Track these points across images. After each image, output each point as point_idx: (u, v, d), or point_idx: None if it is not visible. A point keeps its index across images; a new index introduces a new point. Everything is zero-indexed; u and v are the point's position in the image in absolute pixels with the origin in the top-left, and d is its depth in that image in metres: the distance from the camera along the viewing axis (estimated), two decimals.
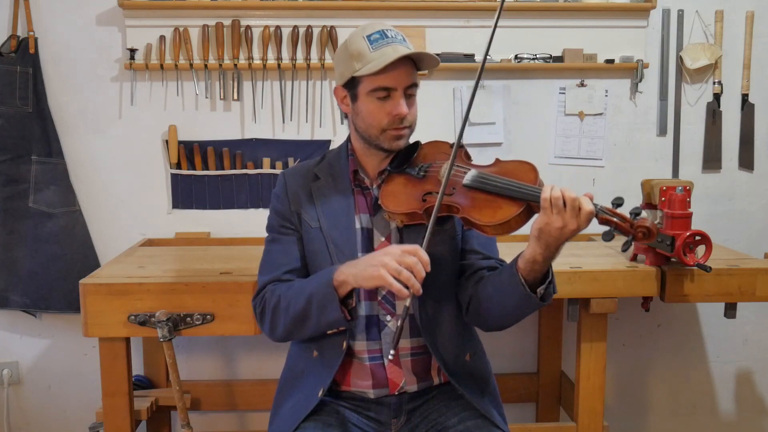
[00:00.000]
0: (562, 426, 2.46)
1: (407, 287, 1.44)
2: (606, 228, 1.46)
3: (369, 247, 1.68)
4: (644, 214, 1.48)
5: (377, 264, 1.47)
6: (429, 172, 1.64)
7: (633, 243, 1.47)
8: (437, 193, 1.56)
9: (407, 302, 1.45)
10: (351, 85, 1.64)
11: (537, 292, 1.52)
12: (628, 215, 1.47)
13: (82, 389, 2.82)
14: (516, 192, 1.49)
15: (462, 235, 1.71)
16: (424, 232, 1.51)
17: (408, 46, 1.62)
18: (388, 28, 1.63)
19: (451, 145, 1.66)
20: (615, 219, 1.46)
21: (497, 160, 1.62)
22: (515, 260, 1.54)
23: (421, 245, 1.48)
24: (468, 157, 1.67)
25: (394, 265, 1.45)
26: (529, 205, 1.48)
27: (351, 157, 1.72)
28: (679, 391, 3.00)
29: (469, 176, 1.57)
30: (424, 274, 1.45)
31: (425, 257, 1.46)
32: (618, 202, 1.48)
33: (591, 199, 1.45)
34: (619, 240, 1.48)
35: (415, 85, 1.64)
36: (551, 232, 1.43)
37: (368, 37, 1.60)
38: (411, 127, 1.67)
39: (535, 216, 1.49)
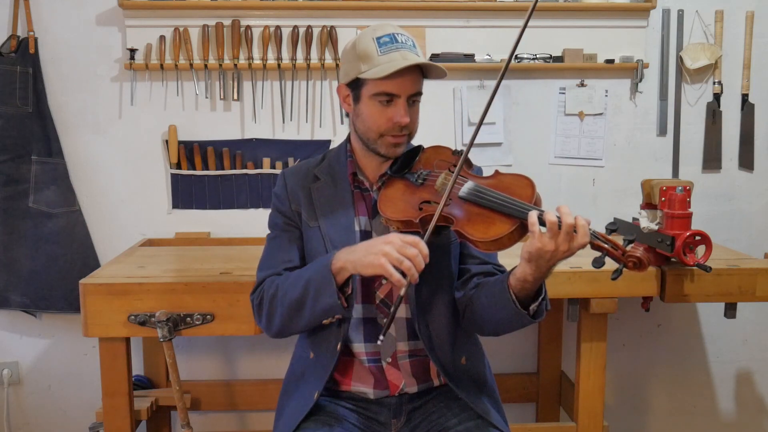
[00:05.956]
0: (562, 426, 2.46)
1: (405, 277, 1.43)
2: (597, 254, 1.44)
3: None
4: (634, 245, 1.45)
5: (378, 252, 1.45)
6: (427, 180, 1.62)
7: (623, 271, 1.43)
8: (434, 202, 1.55)
9: (402, 291, 1.45)
10: (355, 85, 1.62)
11: (529, 308, 1.51)
12: (621, 242, 1.44)
13: (82, 389, 2.82)
14: (510, 209, 1.46)
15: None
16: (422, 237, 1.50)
17: (417, 53, 1.60)
18: (399, 32, 1.60)
19: (454, 152, 1.65)
20: (607, 245, 1.43)
21: (496, 172, 1.60)
22: (507, 275, 1.53)
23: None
24: (469, 164, 1.64)
25: (396, 255, 1.43)
26: (523, 223, 1.45)
27: (350, 159, 1.71)
28: (679, 391, 3.00)
29: (465, 188, 1.54)
30: (423, 266, 1.44)
31: (425, 250, 1.45)
32: (612, 228, 1.45)
33: (588, 223, 1.42)
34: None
35: (419, 94, 1.62)
36: (542, 255, 1.41)
37: (378, 39, 1.58)
38: (411, 135, 1.65)
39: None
